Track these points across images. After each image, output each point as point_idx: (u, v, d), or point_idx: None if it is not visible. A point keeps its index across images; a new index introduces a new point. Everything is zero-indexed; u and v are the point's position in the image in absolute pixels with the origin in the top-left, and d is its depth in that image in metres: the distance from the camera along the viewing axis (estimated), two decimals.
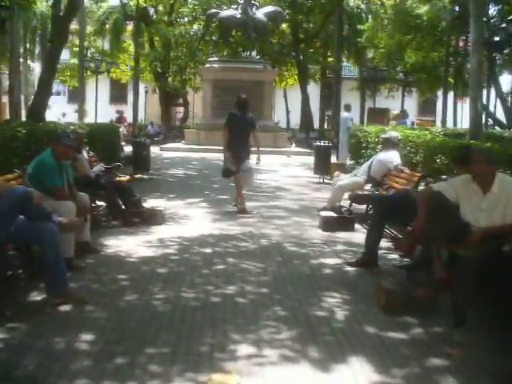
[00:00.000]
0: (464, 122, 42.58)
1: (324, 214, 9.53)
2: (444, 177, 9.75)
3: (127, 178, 11.06)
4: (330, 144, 17.37)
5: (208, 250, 7.81)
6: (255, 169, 12.37)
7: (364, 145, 14.62)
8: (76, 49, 45.01)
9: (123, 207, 9.42)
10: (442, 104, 36.68)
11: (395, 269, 6.88)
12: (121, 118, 30.12)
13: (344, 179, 10.96)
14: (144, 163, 16.12)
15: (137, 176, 16.12)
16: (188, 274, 6.63)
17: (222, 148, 11.64)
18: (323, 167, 16.37)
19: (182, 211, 10.74)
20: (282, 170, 20.15)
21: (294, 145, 31.82)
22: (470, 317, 5.01)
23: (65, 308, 5.27)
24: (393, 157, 10.48)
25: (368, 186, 10.43)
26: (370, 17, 43.59)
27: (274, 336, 4.77)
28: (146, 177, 16.15)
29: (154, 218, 9.32)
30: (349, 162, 18.88)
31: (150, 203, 11.19)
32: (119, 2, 45.20)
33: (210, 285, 6.20)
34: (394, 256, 7.64)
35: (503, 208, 5.37)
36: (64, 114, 40.61)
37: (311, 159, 23.68)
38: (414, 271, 5.86)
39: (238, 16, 30.19)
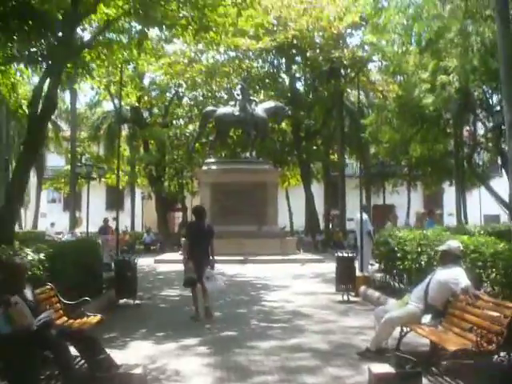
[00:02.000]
0: (473, 216, 40.54)
1: (376, 368, 6.53)
2: None
3: (97, 318, 8.12)
4: (354, 254, 14.44)
5: None
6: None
7: (399, 255, 11.72)
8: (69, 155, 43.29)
9: (85, 367, 6.50)
10: (456, 197, 35.01)
11: None
12: (106, 228, 26.51)
13: (392, 309, 8.09)
14: (129, 286, 13.12)
15: (122, 301, 13.32)
16: None
17: (184, 258, 11.89)
18: (347, 282, 13.48)
19: (173, 364, 7.70)
20: (295, 284, 17.21)
21: (301, 251, 28.90)
22: None
23: None
24: (457, 276, 7.65)
25: (426, 319, 7.57)
26: (370, 111, 42.17)
27: None
28: (132, 302, 13.23)
29: None
30: (373, 272, 15.87)
31: (129, 349, 8.32)
32: (113, 107, 43.72)
33: None
34: None
35: None
36: (52, 224, 38.13)
37: (323, 267, 21.18)
38: None
39: (237, 113, 27.99)
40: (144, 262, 25.10)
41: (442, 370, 6.94)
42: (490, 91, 32.93)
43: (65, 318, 8.01)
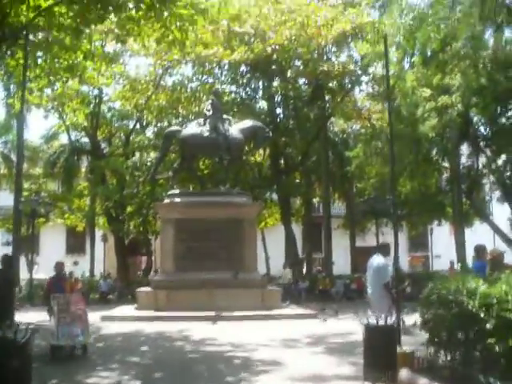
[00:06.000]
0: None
1: None
2: None
3: None
4: (395, 323, 9.02)
5: None
6: None
7: (489, 325, 6.41)
8: (26, 193, 38.05)
9: None
10: (455, 235, 31.82)
11: None
12: (60, 279, 13.73)
13: None
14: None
15: None
16: None
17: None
18: (385, 367, 8.26)
19: None
20: (289, 357, 11.87)
21: (288, 302, 23.55)
22: None
23: None
24: None
25: None
26: (356, 143, 38.06)
27: None
28: None
29: None
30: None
31: None
32: (68, 139, 39.13)
33: None
34: None
35: None
36: None
37: (320, 326, 16.87)
38: None
39: (206, 134, 22.83)
40: (90, 318, 19.73)
41: None
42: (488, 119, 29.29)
43: None
